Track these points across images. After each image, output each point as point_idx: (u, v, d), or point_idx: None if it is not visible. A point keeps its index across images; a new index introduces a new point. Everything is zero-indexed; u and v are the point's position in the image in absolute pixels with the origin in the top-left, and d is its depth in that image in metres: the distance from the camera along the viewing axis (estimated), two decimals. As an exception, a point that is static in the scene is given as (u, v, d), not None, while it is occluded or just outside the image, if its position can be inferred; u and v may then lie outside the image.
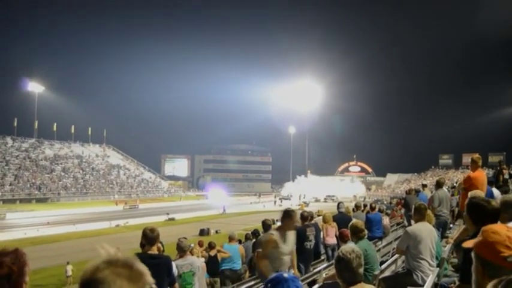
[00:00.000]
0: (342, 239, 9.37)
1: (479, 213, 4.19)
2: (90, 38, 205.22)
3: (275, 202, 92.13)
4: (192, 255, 8.66)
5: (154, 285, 1.48)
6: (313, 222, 12.14)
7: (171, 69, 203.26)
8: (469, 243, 2.27)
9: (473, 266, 2.07)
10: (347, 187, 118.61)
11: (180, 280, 7.57)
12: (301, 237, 10.88)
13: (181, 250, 8.04)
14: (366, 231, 7.65)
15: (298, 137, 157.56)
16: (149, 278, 1.45)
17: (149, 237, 6.03)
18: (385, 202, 65.63)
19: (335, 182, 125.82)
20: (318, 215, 13.85)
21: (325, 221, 12.32)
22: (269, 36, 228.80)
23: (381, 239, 14.69)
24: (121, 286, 1.37)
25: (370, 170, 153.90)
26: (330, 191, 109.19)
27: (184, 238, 8.47)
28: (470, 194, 6.11)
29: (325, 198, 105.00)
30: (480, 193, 6.47)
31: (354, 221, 8.24)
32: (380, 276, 6.64)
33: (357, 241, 7.24)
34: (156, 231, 6.16)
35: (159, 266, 5.86)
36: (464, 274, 4.17)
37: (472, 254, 2.09)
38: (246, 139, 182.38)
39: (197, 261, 8.23)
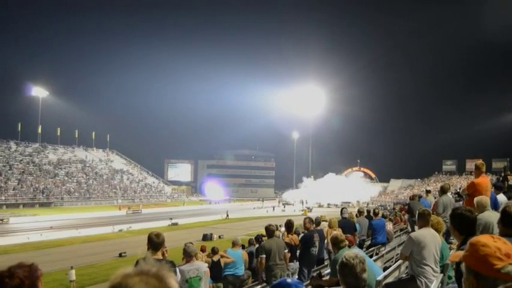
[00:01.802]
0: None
1: (464, 223, 4.21)
2: (94, 43, 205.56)
3: (273, 208, 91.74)
4: (197, 259, 8.64)
5: None
6: (319, 228, 12.13)
7: (175, 74, 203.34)
8: (455, 257, 2.27)
9: (464, 278, 2.07)
10: (358, 188, 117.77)
11: (186, 285, 7.57)
12: (307, 243, 10.88)
13: (188, 255, 8.03)
14: (347, 241, 7.65)
15: (302, 142, 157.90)
16: None
17: (154, 242, 6.05)
18: (389, 208, 65.51)
19: (344, 182, 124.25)
20: (323, 221, 13.80)
21: (330, 226, 12.30)
22: (273, 41, 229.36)
23: (384, 244, 14.65)
24: None
25: (373, 175, 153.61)
26: (341, 194, 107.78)
27: (191, 243, 8.46)
28: (475, 199, 6.11)
29: (328, 204, 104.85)
30: (485, 198, 6.47)
31: (334, 233, 8.26)
32: (383, 282, 6.62)
33: (338, 251, 7.26)
34: (162, 236, 6.19)
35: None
36: (460, 282, 4.17)
37: (463, 267, 2.09)
38: (250, 144, 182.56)
39: (203, 266, 8.22)
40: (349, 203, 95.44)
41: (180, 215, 69.79)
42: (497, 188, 10.21)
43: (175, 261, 7.19)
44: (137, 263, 1.68)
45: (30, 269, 2.16)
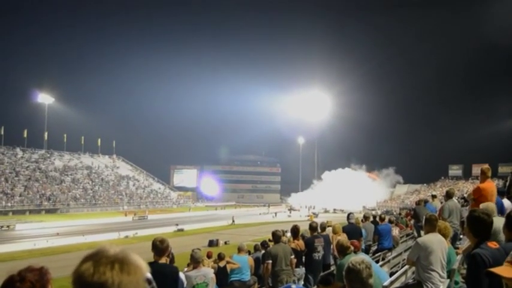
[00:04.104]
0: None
1: (480, 226, 4.20)
2: (99, 49, 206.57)
3: (275, 214, 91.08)
4: (203, 266, 8.67)
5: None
6: (324, 233, 12.11)
7: (180, 80, 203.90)
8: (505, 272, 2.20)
9: None
10: (365, 192, 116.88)
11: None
12: (309, 248, 10.88)
13: (196, 261, 8.05)
14: (352, 247, 7.68)
15: (307, 147, 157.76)
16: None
17: (159, 248, 6.07)
18: (395, 213, 65.27)
19: (351, 184, 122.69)
20: (328, 226, 13.82)
21: (334, 232, 12.30)
22: (278, 46, 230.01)
23: (390, 250, 14.63)
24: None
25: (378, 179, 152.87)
26: (347, 199, 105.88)
27: (198, 249, 8.49)
28: (481, 206, 6.10)
29: (334, 210, 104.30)
30: (492, 205, 6.44)
31: (339, 239, 8.27)
32: (390, 288, 6.61)
33: (343, 257, 7.28)
34: (166, 242, 6.19)
35: (166, 275, 5.90)
36: (471, 286, 4.15)
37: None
38: (255, 150, 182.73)
39: (210, 272, 8.24)
40: (373, 209, 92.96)
41: (186, 221, 69.75)
42: (500, 193, 10.16)
43: (180, 267, 7.21)
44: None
45: (40, 272, 2.19)
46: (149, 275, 1.49)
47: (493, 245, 4.01)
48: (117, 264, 1.41)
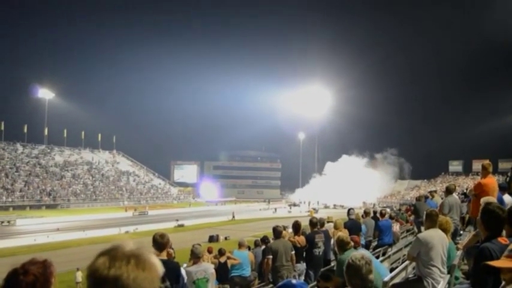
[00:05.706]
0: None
1: (493, 220, 4.19)
2: (100, 44, 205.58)
3: (275, 209, 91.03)
4: (203, 261, 8.67)
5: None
6: (324, 228, 12.11)
7: (181, 76, 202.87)
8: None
9: None
10: (367, 186, 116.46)
11: (194, 286, 7.59)
12: (310, 244, 10.88)
13: (196, 256, 8.05)
14: (352, 243, 7.67)
15: (308, 142, 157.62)
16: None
17: (159, 242, 6.07)
18: (395, 209, 65.28)
19: (353, 179, 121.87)
20: (328, 221, 13.80)
21: (336, 227, 12.29)
22: (278, 42, 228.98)
23: (391, 245, 14.63)
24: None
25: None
26: (348, 194, 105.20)
27: (199, 244, 8.51)
28: (483, 199, 6.10)
29: (334, 205, 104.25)
30: (493, 199, 6.44)
31: (339, 234, 8.26)
32: (390, 283, 6.60)
33: (343, 252, 7.28)
34: (166, 236, 6.20)
35: (167, 271, 5.91)
36: (475, 280, 4.15)
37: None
38: (255, 145, 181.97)
39: (210, 268, 8.25)
40: (386, 207, 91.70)
41: (186, 217, 69.67)
42: (502, 188, 10.18)
43: (181, 263, 7.21)
44: None
45: (43, 265, 2.20)
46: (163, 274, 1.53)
47: (503, 240, 4.00)
48: (133, 259, 1.44)
